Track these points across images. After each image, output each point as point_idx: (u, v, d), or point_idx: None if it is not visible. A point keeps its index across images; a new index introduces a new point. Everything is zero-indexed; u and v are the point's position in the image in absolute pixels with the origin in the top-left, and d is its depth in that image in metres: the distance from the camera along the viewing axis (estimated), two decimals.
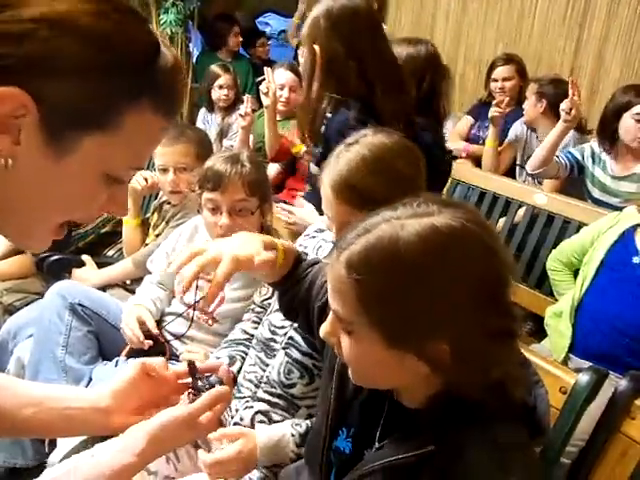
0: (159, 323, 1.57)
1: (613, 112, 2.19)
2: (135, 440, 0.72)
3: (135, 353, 1.50)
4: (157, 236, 1.91)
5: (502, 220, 2.26)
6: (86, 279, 1.85)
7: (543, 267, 1.98)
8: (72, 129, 0.50)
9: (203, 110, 3.51)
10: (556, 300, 1.88)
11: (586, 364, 1.57)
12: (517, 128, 2.92)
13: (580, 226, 1.96)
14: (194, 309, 1.39)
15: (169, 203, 1.95)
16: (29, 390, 0.82)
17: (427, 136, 1.69)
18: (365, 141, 1.05)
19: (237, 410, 1.21)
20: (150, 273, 1.72)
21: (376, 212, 0.72)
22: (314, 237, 1.37)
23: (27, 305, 1.88)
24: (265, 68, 2.79)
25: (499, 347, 0.70)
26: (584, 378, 0.98)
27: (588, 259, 1.75)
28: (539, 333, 1.94)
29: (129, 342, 1.51)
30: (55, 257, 1.89)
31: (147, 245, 1.93)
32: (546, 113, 2.69)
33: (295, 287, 1.01)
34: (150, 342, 1.47)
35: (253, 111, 2.98)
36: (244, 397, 1.23)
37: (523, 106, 2.83)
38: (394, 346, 0.69)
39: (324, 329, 0.77)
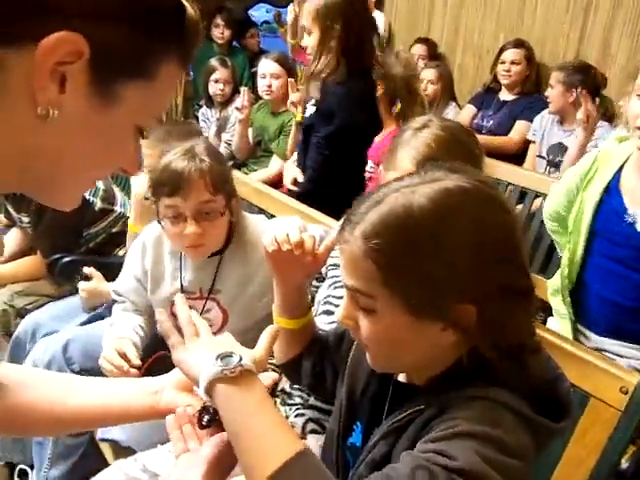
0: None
1: None
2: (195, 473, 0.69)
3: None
4: None
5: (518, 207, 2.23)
6: (99, 293, 1.71)
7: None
8: (117, 77, 0.50)
9: (203, 108, 3.44)
10: None
11: (606, 341, 1.55)
12: (537, 122, 2.91)
13: None
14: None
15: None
16: (75, 380, 0.85)
17: None
18: (435, 124, 1.09)
19: (287, 417, 1.18)
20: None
21: (383, 185, 0.73)
22: None
23: (39, 308, 1.84)
24: (242, 88, 2.77)
25: (520, 306, 0.71)
26: None
27: (573, 226, 1.60)
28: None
29: (110, 375, 1.25)
30: (66, 259, 1.84)
31: None
32: (576, 103, 2.56)
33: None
34: (136, 371, 1.23)
35: (251, 104, 2.93)
36: (295, 404, 1.20)
37: (546, 94, 2.80)
38: (419, 315, 0.69)
39: (340, 313, 0.76)
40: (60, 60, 0.46)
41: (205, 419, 0.76)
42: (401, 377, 0.84)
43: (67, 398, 0.80)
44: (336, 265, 1.29)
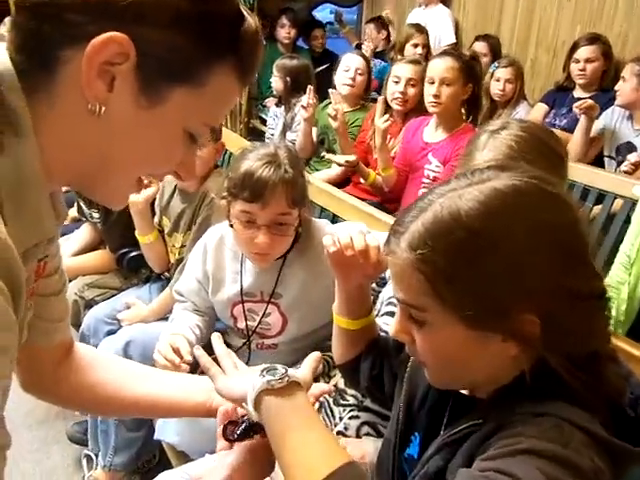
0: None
1: None
2: None
3: None
4: (182, 248, 1.73)
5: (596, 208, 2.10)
6: (141, 319, 1.73)
7: None
8: (164, 80, 0.52)
9: (273, 107, 3.47)
10: None
11: None
12: (607, 117, 2.73)
13: None
14: (250, 336, 1.32)
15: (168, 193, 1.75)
16: (141, 368, 0.89)
17: None
18: (514, 125, 1.05)
19: (341, 418, 1.16)
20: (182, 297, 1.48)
21: (429, 191, 0.68)
22: None
23: (106, 300, 1.90)
24: (330, 90, 2.75)
25: (591, 310, 0.65)
26: None
27: (637, 255, 1.45)
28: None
29: (162, 369, 1.24)
30: (134, 253, 1.89)
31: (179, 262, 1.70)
32: None
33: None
34: (187, 367, 1.24)
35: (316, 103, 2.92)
36: (349, 405, 1.17)
37: (616, 88, 2.63)
38: (475, 326, 0.64)
39: (393, 327, 0.72)
40: (108, 60, 0.49)
41: (237, 431, 0.76)
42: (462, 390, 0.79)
43: (132, 383, 0.84)
44: None
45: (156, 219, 1.81)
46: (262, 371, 0.69)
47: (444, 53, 2.28)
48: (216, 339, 0.82)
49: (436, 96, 2.15)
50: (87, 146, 0.53)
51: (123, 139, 0.53)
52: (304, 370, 0.77)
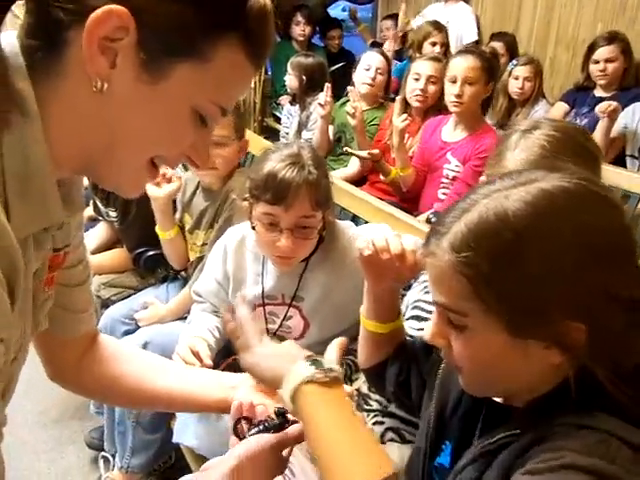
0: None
1: None
2: (220, 470, 0.68)
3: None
4: (203, 246, 1.70)
5: None
6: (159, 318, 1.71)
7: None
8: (167, 55, 0.51)
9: (287, 105, 3.44)
10: None
11: None
12: (627, 116, 2.67)
13: None
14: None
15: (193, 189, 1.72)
16: (162, 362, 0.90)
17: None
18: (546, 125, 1.02)
19: (364, 424, 1.12)
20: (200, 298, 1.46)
21: (471, 191, 0.66)
22: None
23: (122, 300, 1.89)
24: (349, 88, 2.71)
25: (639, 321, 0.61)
26: None
27: None
28: None
29: None
30: (151, 252, 1.88)
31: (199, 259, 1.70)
32: None
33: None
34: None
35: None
36: (373, 410, 1.15)
37: None
38: (518, 333, 0.61)
39: (429, 331, 0.69)
40: (108, 35, 0.48)
41: (248, 434, 0.74)
42: (497, 398, 0.76)
43: (153, 377, 0.85)
44: None
45: (177, 215, 1.78)
46: (307, 359, 0.67)
47: (466, 51, 2.24)
48: (240, 301, 0.80)
49: (458, 96, 2.12)
50: (92, 127, 0.53)
51: (127, 117, 0.53)
52: (330, 356, 0.74)
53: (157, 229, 1.75)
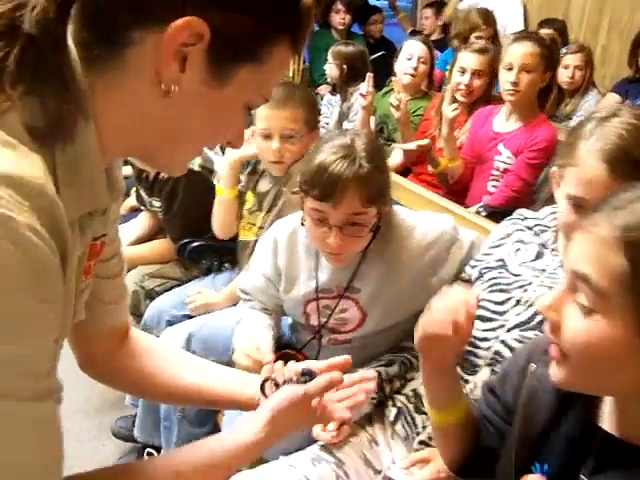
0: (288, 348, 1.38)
1: None
2: (256, 422, 0.74)
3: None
4: (260, 229, 1.68)
5: None
6: (209, 307, 1.70)
7: None
8: (233, 60, 0.54)
9: (327, 95, 3.39)
10: None
11: None
12: None
13: None
14: (319, 331, 1.26)
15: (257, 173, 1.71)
16: (195, 360, 0.92)
17: None
18: (626, 112, 0.98)
19: (424, 427, 1.09)
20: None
21: None
22: (501, 245, 1.18)
23: (167, 291, 1.87)
24: (392, 78, 2.63)
25: None
26: None
27: None
28: None
29: (245, 370, 1.15)
30: (195, 243, 1.86)
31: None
32: None
33: None
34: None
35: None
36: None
37: None
38: None
39: (545, 300, 0.63)
40: (184, 42, 0.51)
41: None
42: (607, 426, 0.68)
43: (186, 373, 0.86)
44: (491, 267, 1.16)
45: (241, 185, 1.74)
46: None
47: (524, 37, 2.13)
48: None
49: (515, 83, 2.03)
50: (149, 124, 0.56)
51: (189, 116, 0.56)
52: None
53: (217, 184, 1.72)
